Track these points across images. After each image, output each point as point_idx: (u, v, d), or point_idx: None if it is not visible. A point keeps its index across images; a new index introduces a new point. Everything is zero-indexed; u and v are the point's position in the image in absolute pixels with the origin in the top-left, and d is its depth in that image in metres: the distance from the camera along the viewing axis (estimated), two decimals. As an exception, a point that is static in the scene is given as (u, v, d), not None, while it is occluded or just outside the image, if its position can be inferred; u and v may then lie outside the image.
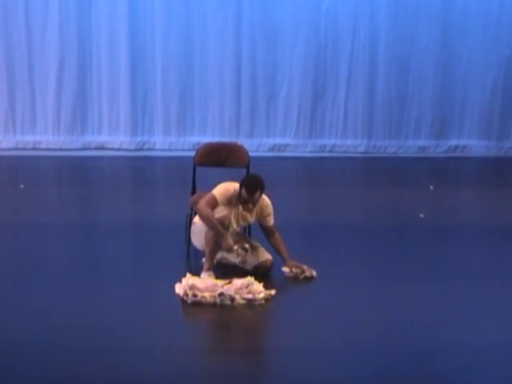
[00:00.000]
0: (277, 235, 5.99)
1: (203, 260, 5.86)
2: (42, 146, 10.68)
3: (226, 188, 5.81)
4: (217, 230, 5.70)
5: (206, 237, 5.84)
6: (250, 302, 5.43)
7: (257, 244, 6.08)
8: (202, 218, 5.78)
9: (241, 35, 10.47)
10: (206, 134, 10.52)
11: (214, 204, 5.77)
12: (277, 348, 4.81)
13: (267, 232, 5.98)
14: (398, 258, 6.50)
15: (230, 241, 5.74)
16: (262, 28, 10.47)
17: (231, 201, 5.77)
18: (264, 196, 5.86)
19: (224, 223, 5.75)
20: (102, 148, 10.71)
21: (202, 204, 5.75)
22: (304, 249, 6.84)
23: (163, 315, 5.25)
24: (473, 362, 4.63)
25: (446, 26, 10.50)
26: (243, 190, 5.67)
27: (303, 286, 5.69)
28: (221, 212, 5.76)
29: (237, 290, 5.46)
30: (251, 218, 5.91)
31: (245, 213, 5.84)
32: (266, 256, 5.99)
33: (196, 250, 6.18)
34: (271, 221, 5.95)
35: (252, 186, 5.68)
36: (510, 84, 10.62)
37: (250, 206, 5.73)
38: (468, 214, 7.98)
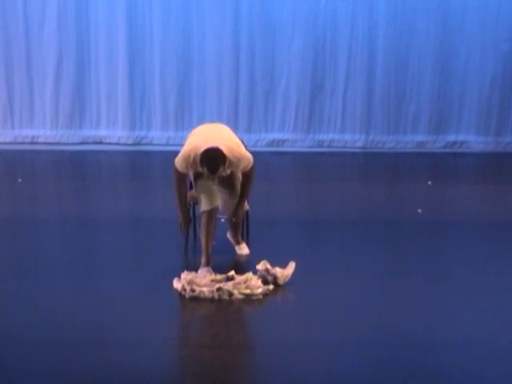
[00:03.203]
0: (250, 179, 5.90)
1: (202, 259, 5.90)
2: (40, 140, 10.68)
3: (183, 156, 5.69)
4: (179, 210, 5.89)
5: (200, 226, 5.96)
6: (248, 297, 5.43)
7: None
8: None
9: (239, 29, 10.45)
10: (204, 129, 10.51)
11: (179, 176, 5.80)
12: (275, 343, 4.81)
13: (243, 174, 5.90)
14: (396, 254, 6.51)
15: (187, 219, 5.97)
16: (261, 22, 10.45)
17: (195, 163, 5.64)
18: (234, 148, 5.68)
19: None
20: (100, 142, 10.71)
21: (173, 182, 5.85)
22: (302, 243, 6.86)
23: (161, 310, 5.26)
24: (471, 357, 4.63)
25: (444, 21, 10.48)
26: (205, 169, 5.53)
27: (301, 281, 5.69)
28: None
29: (235, 285, 5.47)
30: (228, 170, 5.75)
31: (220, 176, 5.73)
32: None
33: (194, 245, 6.19)
34: (248, 167, 5.79)
35: (213, 165, 5.50)
36: (508, 79, 10.61)
37: (216, 179, 5.66)
38: (466, 210, 7.97)
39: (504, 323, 5.10)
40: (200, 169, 5.64)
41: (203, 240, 5.91)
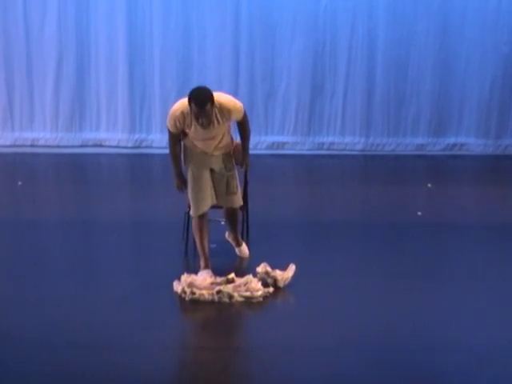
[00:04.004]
0: (246, 127, 5.93)
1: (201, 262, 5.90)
2: (40, 142, 10.67)
3: (172, 112, 5.74)
4: (173, 171, 6.01)
5: (193, 228, 6.01)
6: (248, 300, 5.44)
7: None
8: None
9: (239, 32, 10.45)
10: (204, 132, 10.51)
11: (172, 137, 5.89)
12: (275, 346, 4.81)
13: (238, 124, 5.93)
14: (396, 256, 6.50)
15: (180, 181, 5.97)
16: (261, 24, 10.44)
17: (183, 116, 5.67)
18: (224, 98, 5.72)
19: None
20: (100, 145, 10.70)
21: (168, 144, 6.00)
22: (302, 246, 6.86)
23: (161, 312, 5.26)
24: (472, 359, 4.64)
25: (444, 24, 10.48)
26: (192, 105, 5.50)
27: (301, 283, 5.69)
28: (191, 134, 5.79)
29: (235, 288, 5.47)
30: (217, 125, 5.72)
31: (210, 128, 5.70)
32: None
33: (194, 248, 6.18)
34: (241, 115, 5.80)
35: (200, 99, 5.48)
36: (508, 82, 10.61)
37: (204, 120, 5.56)
38: (466, 213, 7.98)
39: (504, 325, 5.11)
40: (188, 123, 5.67)
41: (198, 243, 5.92)
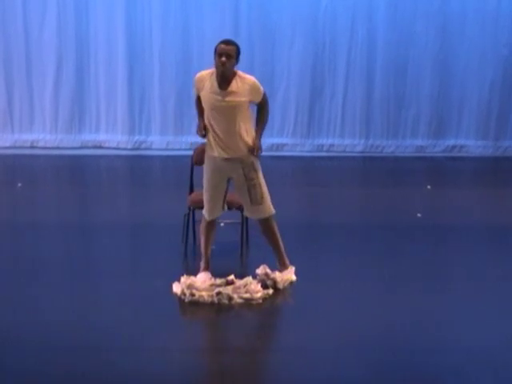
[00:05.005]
0: (264, 111, 5.97)
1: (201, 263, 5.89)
2: (40, 144, 10.68)
3: (197, 76, 5.96)
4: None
5: (201, 228, 5.93)
6: (248, 302, 5.43)
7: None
8: None
9: (239, 34, 10.42)
10: (204, 134, 10.51)
11: (197, 99, 6.03)
12: (274, 347, 4.81)
13: (258, 107, 6.00)
14: (396, 258, 6.50)
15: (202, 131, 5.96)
16: (260, 26, 10.45)
17: (210, 77, 5.82)
18: (249, 75, 5.91)
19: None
20: (100, 147, 10.71)
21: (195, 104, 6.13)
22: (301, 248, 6.85)
23: (161, 314, 5.26)
24: (470, 361, 4.64)
25: (444, 25, 10.50)
26: (219, 46, 5.67)
27: (301, 285, 5.69)
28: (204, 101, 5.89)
29: (234, 290, 5.47)
30: (235, 91, 5.79)
31: (226, 91, 5.77)
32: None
33: (193, 250, 6.19)
34: (260, 96, 5.91)
35: (228, 39, 5.77)
36: (507, 84, 10.62)
37: (223, 58, 5.62)
38: (465, 214, 7.97)
39: (503, 326, 5.11)
40: (208, 82, 5.80)
41: (203, 245, 5.91)
